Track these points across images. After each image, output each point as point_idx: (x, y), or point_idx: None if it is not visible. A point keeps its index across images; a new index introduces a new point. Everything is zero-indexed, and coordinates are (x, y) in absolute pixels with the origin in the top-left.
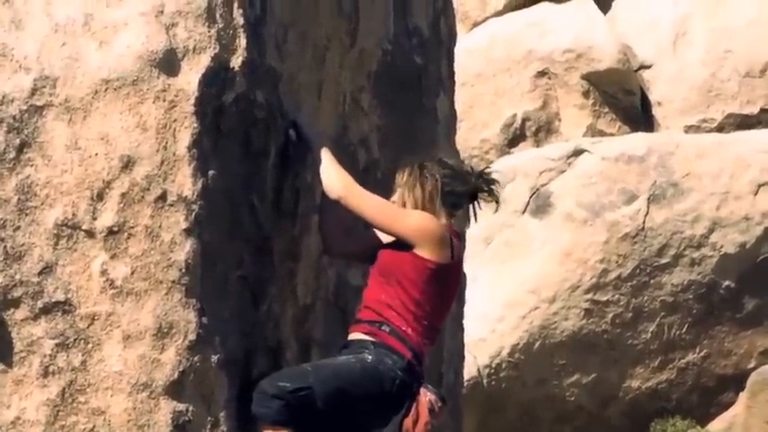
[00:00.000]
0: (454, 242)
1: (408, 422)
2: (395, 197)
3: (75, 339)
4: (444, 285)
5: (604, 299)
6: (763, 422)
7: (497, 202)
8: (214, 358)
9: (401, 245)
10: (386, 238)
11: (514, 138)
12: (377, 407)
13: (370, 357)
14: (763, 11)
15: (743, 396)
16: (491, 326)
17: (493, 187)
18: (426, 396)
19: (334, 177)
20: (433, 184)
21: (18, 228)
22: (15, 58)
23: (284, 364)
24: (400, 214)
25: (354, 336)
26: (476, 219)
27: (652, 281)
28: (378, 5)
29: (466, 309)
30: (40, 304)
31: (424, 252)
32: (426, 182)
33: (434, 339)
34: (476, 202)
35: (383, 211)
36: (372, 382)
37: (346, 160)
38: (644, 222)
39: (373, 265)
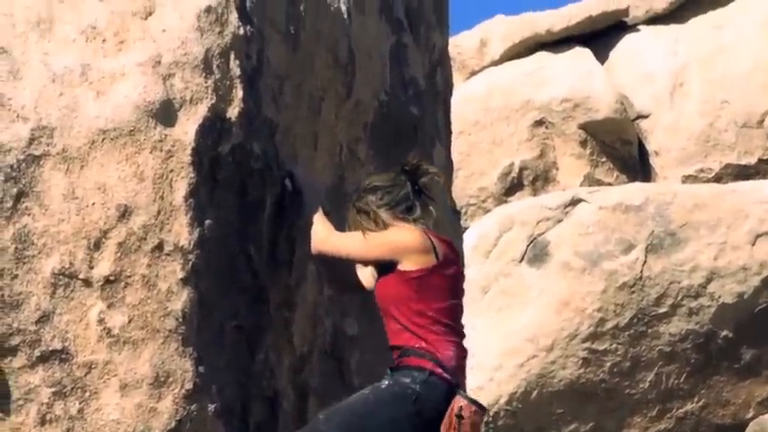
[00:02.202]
0: (435, 243)
1: (442, 428)
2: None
3: (72, 388)
4: (440, 286)
5: (602, 348)
6: None
7: (438, 176)
8: (211, 407)
9: (384, 271)
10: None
11: (512, 186)
12: (403, 428)
13: (385, 383)
14: (760, 61)
15: None
16: (488, 374)
17: (424, 168)
18: (458, 402)
19: (314, 232)
20: (374, 211)
21: (15, 276)
22: (13, 107)
23: (281, 413)
24: (375, 239)
25: None
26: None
27: (650, 330)
28: (374, 57)
29: None
30: (37, 353)
31: (407, 265)
32: (369, 215)
33: (458, 334)
34: (423, 192)
35: (360, 245)
36: (389, 405)
37: (342, 211)
38: (641, 272)
39: (380, 309)
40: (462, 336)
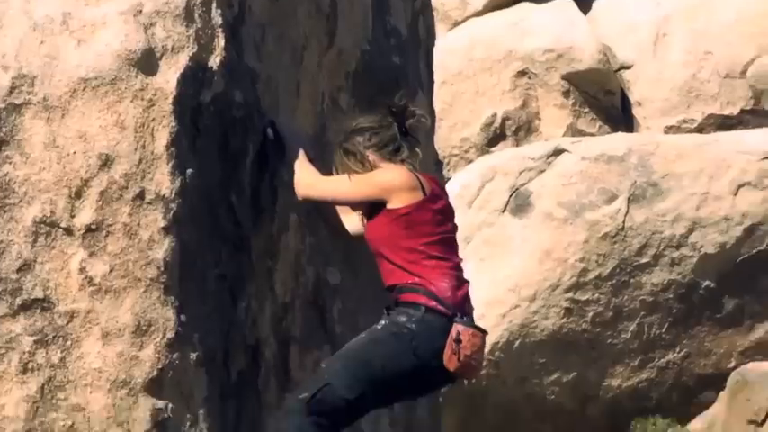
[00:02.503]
0: (422, 179)
1: (445, 357)
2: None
3: (53, 336)
4: (430, 221)
5: (584, 298)
6: (743, 421)
7: (424, 117)
8: (193, 356)
9: (373, 213)
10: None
11: (494, 137)
12: (409, 372)
13: (381, 323)
14: (743, 13)
15: (723, 395)
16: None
17: (410, 110)
18: (455, 329)
19: (298, 178)
20: (361, 152)
21: None
22: None
23: (262, 362)
24: (362, 180)
25: None
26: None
27: (632, 280)
28: (356, 6)
29: None
30: (18, 301)
31: (395, 203)
32: (356, 156)
33: (453, 265)
34: (409, 133)
35: (347, 187)
36: (387, 346)
37: (325, 159)
38: (624, 222)
39: (372, 250)
40: (458, 267)
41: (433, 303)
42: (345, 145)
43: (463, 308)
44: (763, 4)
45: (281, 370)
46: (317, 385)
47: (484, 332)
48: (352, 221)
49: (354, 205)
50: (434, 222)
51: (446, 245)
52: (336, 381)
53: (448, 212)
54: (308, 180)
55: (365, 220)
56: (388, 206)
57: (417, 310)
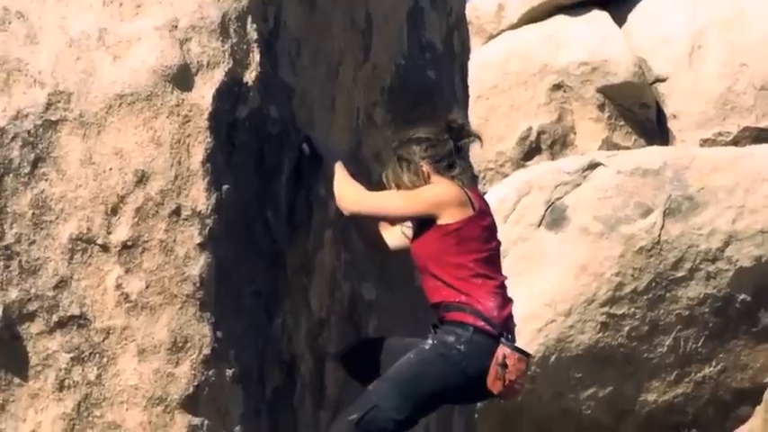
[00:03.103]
0: (471, 196)
1: (489, 380)
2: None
3: (90, 353)
4: (479, 237)
5: (620, 312)
6: None
7: (479, 138)
8: (229, 372)
9: (422, 228)
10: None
11: (530, 151)
12: (455, 390)
13: (428, 344)
14: None
15: (759, 410)
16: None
17: (467, 130)
18: (501, 352)
19: (344, 194)
20: (416, 162)
21: (33, 242)
22: (30, 72)
23: (298, 378)
24: (413, 196)
25: None
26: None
27: (668, 294)
28: (391, 21)
29: None
30: (55, 318)
31: (446, 219)
32: (410, 165)
33: (499, 283)
34: (461, 151)
35: (399, 202)
36: (435, 366)
37: (360, 174)
38: (659, 236)
39: (416, 266)
40: (503, 285)
41: (481, 324)
42: (400, 152)
43: (508, 327)
44: None
45: (316, 387)
46: (366, 407)
47: (528, 356)
48: (393, 236)
49: (398, 220)
50: (483, 239)
51: (492, 263)
52: (385, 402)
53: (493, 229)
54: (354, 196)
55: (410, 236)
56: (439, 222)
57: (466, 331)
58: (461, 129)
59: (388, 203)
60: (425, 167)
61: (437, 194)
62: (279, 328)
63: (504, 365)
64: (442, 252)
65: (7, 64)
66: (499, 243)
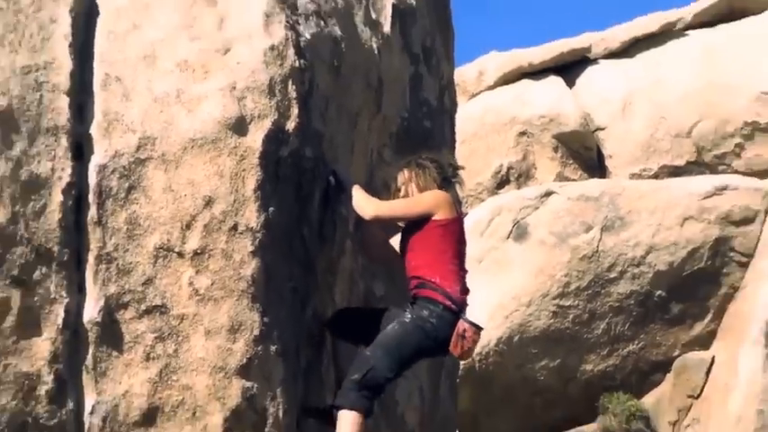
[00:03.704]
0: (456, 204)
1: (451, 346)
2: (402, 192)
3: (169, 333)
4: (460, 235)
5: (567, 304)
6: (684, 396)
7: (460, 183)
8: (272, 348)
9: (421, 223)
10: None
11: (501, 182)
12: (427, 351)
13: (408, 317)
14: (689, 89)
15: (669, 376)
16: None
17: (459, 173)
18: (461, 326)
19: (365, 205)
20: (429, 171)
21: (127, 250)
22: (125, 122)
23: (324, 353)
24: (418, 199)
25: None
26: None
27: (603, 290)
28: (397, 83)
29: None
30: (143, 307)
31: (440, 215)
32: (425, 171)
33: (464, 274)
34: (451, 182)
35: (408, 205)
36: (414, 335)
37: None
38: (597, 246)
39: (405, 250)
40: (465, 276)
41: (448, 303)
42: (419, 161)
43: (465, 306)
44: (703, 82)
45: (336, 359)
46: (365, 369)
47: (480, 329)
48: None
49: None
50: (459, 237)
51: (461, 258)
52: (379, 364)
53: (464, 235)
54: (374, 205)
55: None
56: (435, 218)
57: (436, 308)
58: (457, 169)
59: (400, 205)
60: (434, 174)
61: (435, 197)
62: (310, 315)
63: (463, 336)
64: (429, 237)
65: (108, 116)
66: (466, 245)
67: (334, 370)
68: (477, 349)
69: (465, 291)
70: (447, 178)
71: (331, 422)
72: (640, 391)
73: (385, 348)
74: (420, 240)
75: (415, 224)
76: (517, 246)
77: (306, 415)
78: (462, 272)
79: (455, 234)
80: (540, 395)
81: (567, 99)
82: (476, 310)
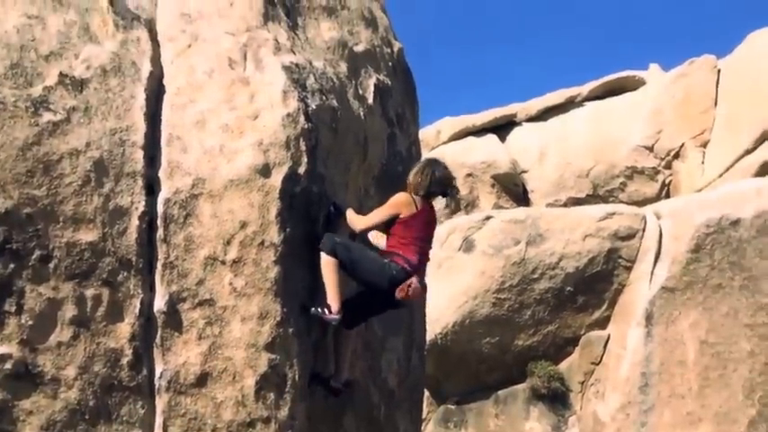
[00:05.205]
0: (417, 202)
1: (398, 291)
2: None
3: (215, 320)
4: (418, 225)
5: (503, 297)
6: (588, 363)
7: (456, 204)
8: (290, 330)
9: (393, 220)
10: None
11: (455, 209)
12: (377, 285)
13: (385, 260)
14: (588, 141)
15: (577, 349)
16: (442, 312)
17: (454, 195)
18: (412, 281)
19: (356, 222)
20: (425, 179)
21: (185, 260)
22: (183, 168)
23: (328, 334)
24: (385, 207)
25: None
26: (453, 204)
27: (528, 287)
28: (377, 141)
29: (428, 302)
30: (196, 300)
31: (404, 213)
32: (425, 175)
33: (426, 254)
34: (447, 198)
35: (379, 215)
36: (377, 266)
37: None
38: (524, 256)
39: (387, 236)
40: (426, 253)
41: (406, 266)
42: (424, 168)
43: (420, 272)
44: (596, 138)
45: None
46: (332, 243)
47: (426, 288)
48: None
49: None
50: (419, 228)
51: (424, 240)
52: (344, 251)
53: (430, 228)
54: (362, 219)
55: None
56: (400, 216)
57: (398, 266)
58: (453, 193)
59: (375, 217)
60: (421, 179)
61: (397, 202)
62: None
63: (410, 286)
64: (397, 230)
65: (171, 164)
66: (432, 236)
67: (333, 344)
68: (438, 329)
69: (422, 260)
70: (433, 192)
71: (332, 390)
72: (557, 360)
73: (351, 251)
74: (393, 230)
75: (391, 220)
76: (466, 255)
77: (313, 379)
78: (422, 249)
79: (420, 223)
80: (484, 363)
81: (501, 150)
82: (438, 301)
